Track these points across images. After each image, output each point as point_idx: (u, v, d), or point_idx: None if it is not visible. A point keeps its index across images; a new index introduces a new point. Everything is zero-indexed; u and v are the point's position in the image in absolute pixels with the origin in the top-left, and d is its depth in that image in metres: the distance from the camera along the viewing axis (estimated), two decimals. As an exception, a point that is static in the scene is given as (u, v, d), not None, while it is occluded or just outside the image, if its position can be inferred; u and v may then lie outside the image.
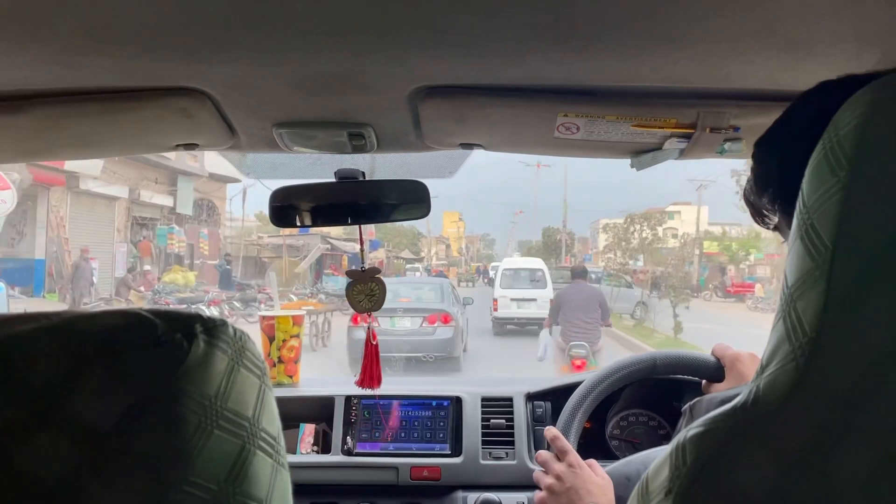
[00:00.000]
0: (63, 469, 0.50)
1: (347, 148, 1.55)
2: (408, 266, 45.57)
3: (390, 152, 1.65)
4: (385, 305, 1.91)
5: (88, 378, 0.52)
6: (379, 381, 2.03)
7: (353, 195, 1.77)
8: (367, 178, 1.81)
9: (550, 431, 1.64)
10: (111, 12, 0.93)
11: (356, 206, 1.78)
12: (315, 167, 2.02)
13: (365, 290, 1.85)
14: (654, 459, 1.57)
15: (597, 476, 1.54)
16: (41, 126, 1.35)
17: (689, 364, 1.78)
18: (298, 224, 1.77)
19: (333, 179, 1.79)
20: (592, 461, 1.58)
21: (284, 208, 1.75)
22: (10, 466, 0.50)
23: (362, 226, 1.82)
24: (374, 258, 40.93)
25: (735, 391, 0.84)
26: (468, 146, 1.57)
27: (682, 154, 1.33)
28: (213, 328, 0.56)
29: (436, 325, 12.75)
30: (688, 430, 0.58)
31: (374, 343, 2.00)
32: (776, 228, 0.86)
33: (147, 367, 0.53)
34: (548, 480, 1.55)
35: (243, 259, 31.33)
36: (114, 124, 1.36)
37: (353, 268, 1.87)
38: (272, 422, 0.58)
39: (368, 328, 1.98)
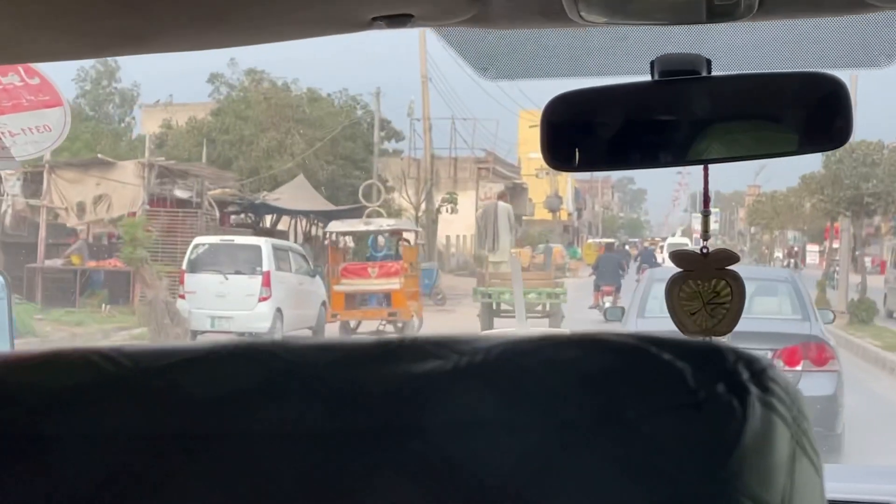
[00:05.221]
0: None
1: (700, 13, 0.95)
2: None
3: (779, 19, 1.04)
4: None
5: (585, 455, 0.35)
6: None
7: (697, 107, 1.05)
8: (713, 73, 1.01)
9: None
10: None
11: (702, 128, 0.98)
12: (610, 55, 1.18)
13: (705, 294, 1.07)
14: None
15: None
16: None
17: None
18: (591, 165, 1.01)
19: (647, 78, 1.07)
20: None
21: (569, 134, 0.98)
22: None
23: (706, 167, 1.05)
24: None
25: None
26: None
27: None
28: (762, 374, 0.37)
29: (799, 368, 6.80)
30: None
31: None
32: None
33: (676, 450, 0.35)
34: None
35: None
36: None
37: (685, 248, 1.06)
38: None
39: None
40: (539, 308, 14.76)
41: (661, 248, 35.68)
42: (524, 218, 40.32)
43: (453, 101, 36.73)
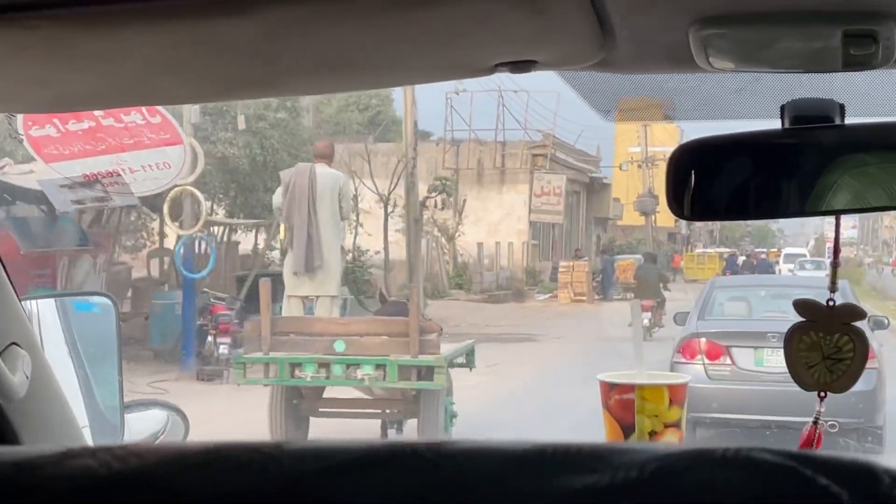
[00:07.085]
0: None
1: (835, 62, 0.93)
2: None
3: None
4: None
5: None
6: None
7: (832, 156, 1.03)
8: (845, 122, 1.00)
9: None
10: None
11: (836, 178, 1.03)
12: (736, 99, 1.18)
13: (826, 347, 1.07)
14: None
15: None
16: (276, 36, 0.92)
17: None
18: (720, 214, 1.03)
19: (776, 122, 1.05)
20: None
21: (697, 183, 1.00)
22: None
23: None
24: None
25: None
26: None
27: None
28: None
29: None
30: None
31: None
32: None
33: None
34: None
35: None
36: (394, 32, 0.96)
37: (806, 298, 1.05)
38: None
39: None
40: (398, 398, 7.11)
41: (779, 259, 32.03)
42: (610, 222, 32.84)
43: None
